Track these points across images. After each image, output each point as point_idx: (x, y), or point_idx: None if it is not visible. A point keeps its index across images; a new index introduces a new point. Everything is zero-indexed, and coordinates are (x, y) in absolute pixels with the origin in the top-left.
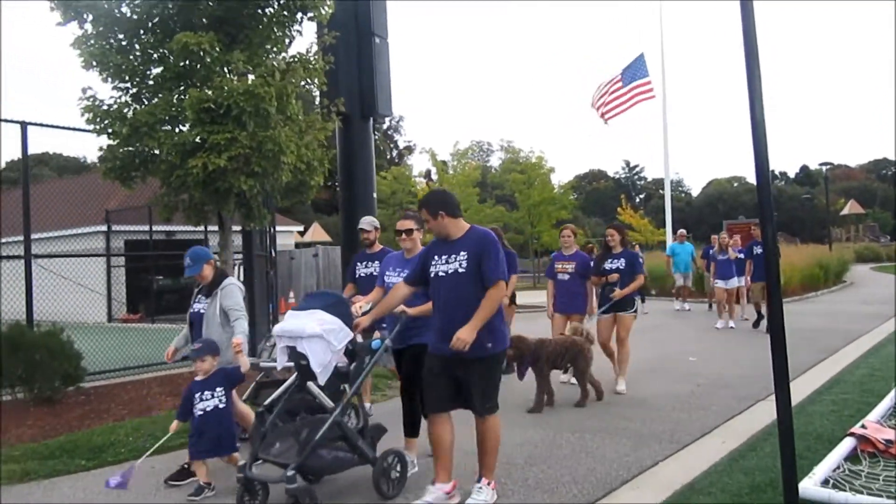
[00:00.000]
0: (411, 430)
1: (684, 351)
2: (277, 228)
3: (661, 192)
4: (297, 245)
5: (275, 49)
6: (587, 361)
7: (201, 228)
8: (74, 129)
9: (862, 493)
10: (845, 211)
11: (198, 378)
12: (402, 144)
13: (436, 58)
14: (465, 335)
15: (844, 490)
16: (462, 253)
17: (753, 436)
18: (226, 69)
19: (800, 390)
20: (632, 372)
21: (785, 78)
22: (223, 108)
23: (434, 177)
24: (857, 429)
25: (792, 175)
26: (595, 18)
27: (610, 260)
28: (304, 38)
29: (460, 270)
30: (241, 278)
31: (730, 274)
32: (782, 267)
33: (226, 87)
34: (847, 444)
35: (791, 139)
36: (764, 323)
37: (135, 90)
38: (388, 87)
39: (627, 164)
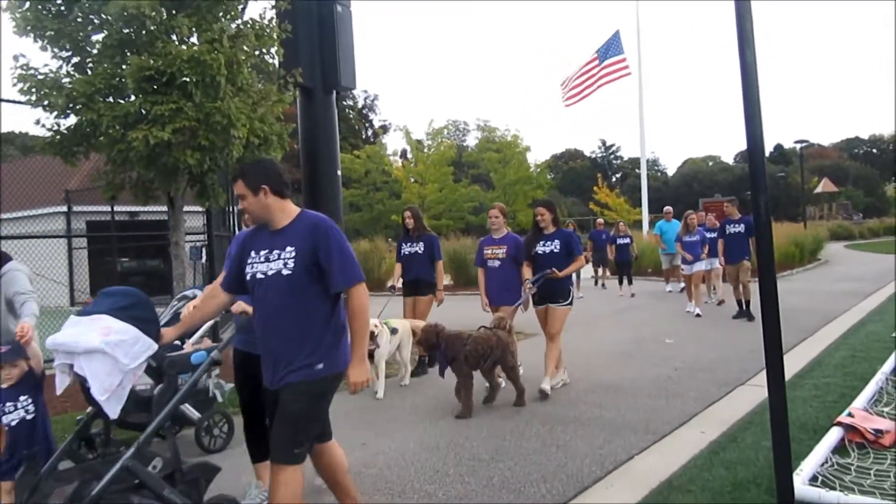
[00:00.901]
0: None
1: (661, 332)
2: None
3: (637, 171)
4: None
5: (227, 15)
6: (514, 357)
7: (166, 208)
8: (5, 100)
9: (854, 490)
10: (819, 189)
11: (3, 386)
12: (377, 123)
13: (412, 36)
14: (356, 376)
15: (835, 488)
16: (288, 248)
17: (734, 425)
18: (171, 35)
19: None
20: (607, 356)
21: (759, 56)
22: (167, 77)
23: (409, 155)
24: (844, 418)
25: (766, 154)
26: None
27: (542, 242)
28: (259, 4)
29: (284, 272)
30: (205, 260)
31: (695, 256)
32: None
33: (170, 54)
34: (834, 435)
35: (765, 118)
36: (750, 313)
37: (77, 59)
38: (351, 58)
39: (604, 143)
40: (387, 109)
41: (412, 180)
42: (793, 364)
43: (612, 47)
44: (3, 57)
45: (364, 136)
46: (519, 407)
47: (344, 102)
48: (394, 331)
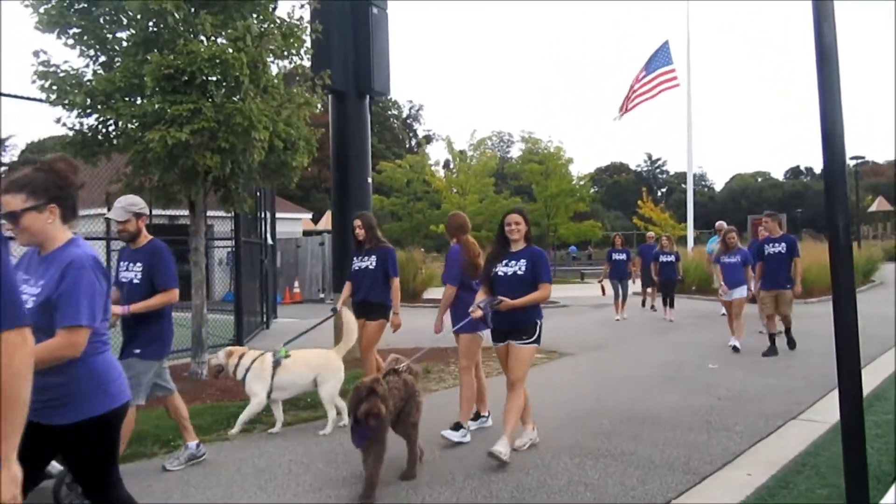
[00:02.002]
0: None
1: (705, 357)
2: (285, 215)
3: (683, 186)
4: (306, 233)
5: (255, 14)
6: (418, 408)
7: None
8: (24, 97)
9: None
10: (873, 208)
11: None
12: (421, 133)
13: (460, 47)
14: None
15: None
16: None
17: (784, 467)
18: (194, 33)
19: (834, 408)
20: (645, 381)
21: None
22: (187, 76)
23: (451, 166)
24: None
25: (818, 170)
26: (620, 7)
27: (506, 261)
28: (288, 3)
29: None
30: (232, 265)
31: (736, 280)
32: (808, 265)
33: (191, 52)
34: None
35: (814, 133)
36: (790, 338)
37: (104, 58)
38: (386, 62)
39: (649, 157)
40: (432, 120)
41: (453, 191)
42: None
43: (661, 57)
44: (19, 53)
45: (408, 146)
46: (408, 480)
47: (389, 112)
48: (276, 363)
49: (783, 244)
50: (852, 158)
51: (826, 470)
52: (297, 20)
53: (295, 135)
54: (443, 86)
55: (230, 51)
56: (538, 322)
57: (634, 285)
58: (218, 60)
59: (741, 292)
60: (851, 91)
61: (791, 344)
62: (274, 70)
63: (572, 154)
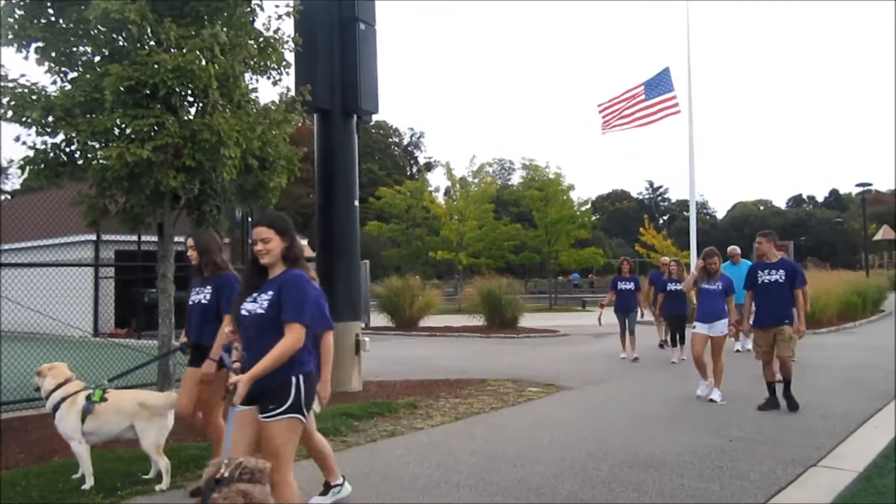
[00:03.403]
0: None
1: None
2: None
3: (685, 213)
4: None
5: (231, 24)
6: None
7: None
8: None
9: None
10: (878, 236)
11: None
12: (422, 160)
13: (464, 75)
14: None
15: None
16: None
17: None
18: (157, 43)
19: (859, 453)
20: (651, 419)
21: (812, 100)
22: (149, 89)
23: (451, 192)
24: None
25: (820, 199)
26: (620, 36)
27: (251, 297)
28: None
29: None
30: None
31: (715, 312)
32: (815, 293)
33: (154, 64)
34: None
35: (820, 161)
36: (791, 398)
37: (73, 73)
38: (374, 81)
39: (651, 184)
40: (433, 147)
41: (451, 217)
42: (874, 438)
43: (662, 84)
44: None
45: (409, 173)
46: None
47: (390, 139)
48: (87, 409)
49: (781, 271)
50: (858, 185)
51: None
52: (275, 32)
53: (273, 153)
54: (445, 113)
55: (198, 62)
56: (294, 380)
57: (643, 318)
58: (184, 72)
59: (721, 328)
60: (854, 117)
61: (792, 405)
62: (244, 83)
63: (573, 181)
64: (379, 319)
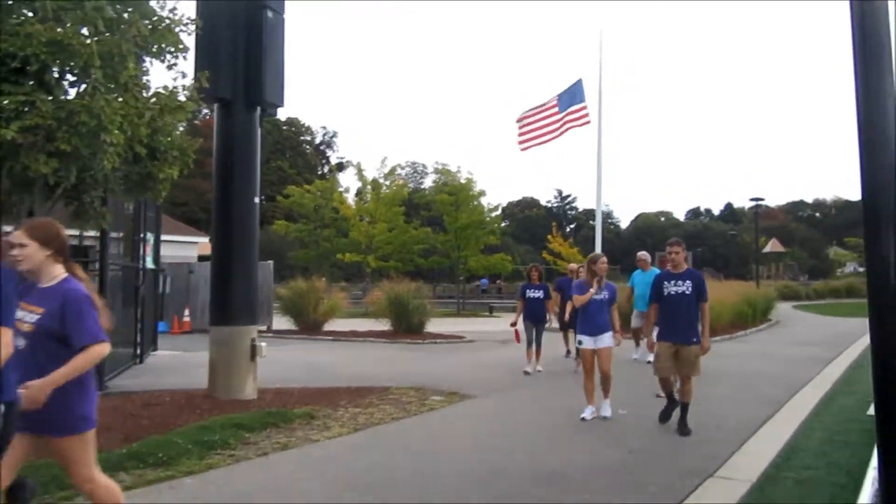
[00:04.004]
0: None
1: (614, 400)
2: (179, 238)
3: (591, 222)
4: (202, 258)
5: (122, 3)
6: None
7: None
8: None
9: None
10: (767, 249)
11: None
12: (334, 160)
13: (379, 76)
14: None
15: None
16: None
17: None
18: (33, 12)
19: (752, 463)
20: (552, 430)
21: (712, 116)
22: (19, 62)
23: (361, 194)
24: None
25: (717, 212)
26: (535, 47)
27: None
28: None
29: None
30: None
31: (599, 323)
32: (712, 303)
33: (27, 35)
34: None
35: (716, 176)
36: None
37: None
38: (280, 71)
39: (560, 193)
40: (346, 147)
41: (361, 219)
42: (767, 447)
43: (574, 95)
44: None
45: (321, 173)
46: None
47: (302, 137)
48: None
49: (688, 282)
50: (752, 199)
51: None
52: (171, 12)
53: (165, 143)
54: (359, 114)
55: (79, 37)
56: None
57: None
58: (61, 46)
59: (608, 340)
60: (749, 135)
61: (683, 429)
62: (133, 64)
63: (484, 186)
64: (282, 322)
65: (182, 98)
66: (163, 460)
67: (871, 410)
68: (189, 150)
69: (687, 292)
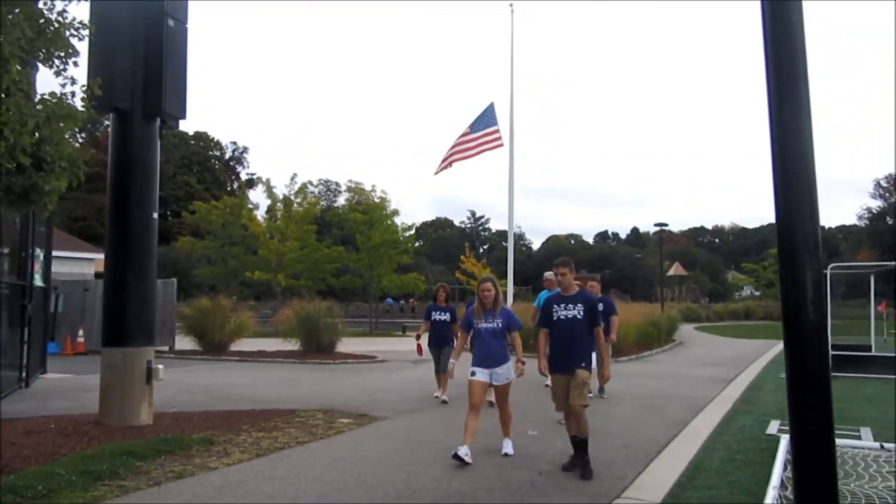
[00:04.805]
0: None
1: (523, 421)
2: (73, 255)
3: (504, 243)
4: (99, 275)
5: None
6: None
7: None
8: None
9: None
10: (671, 272)
11: None
12: (244, 177)
13: (295, 94)
14: None
15: None
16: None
17: None
18: None
19: (658, 484)
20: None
21: (619, 143)
22: None
23: (271, 211)
24: None
25: (623, 236)
26: (448, 68)
27: None
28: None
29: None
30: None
31: (494, 355)
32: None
33: None
34: None
35: (622, 202)
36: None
37: None
38: (180, 82)
39: (473, 214)
40: (257, 164)
41: (271, 236)
42: (671, 467)
43: (486, 118)
44: None
45: (230, 189)
46: None
47: (210, 153)
48: None
49: (579, 305)
50: (656, 225)
51: None
52: (60, 15)
53: (52, 153)
54: (270, 131)
55: None
56: None
57: None
58: None
59: (507, 373)
60: (654, 163)
61: (584, 471)
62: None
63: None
64: (186, 343)
65: (72, 106)
66: (42, 493)
67: (770, 430)
68: (79, 162)
69: (578, 317)
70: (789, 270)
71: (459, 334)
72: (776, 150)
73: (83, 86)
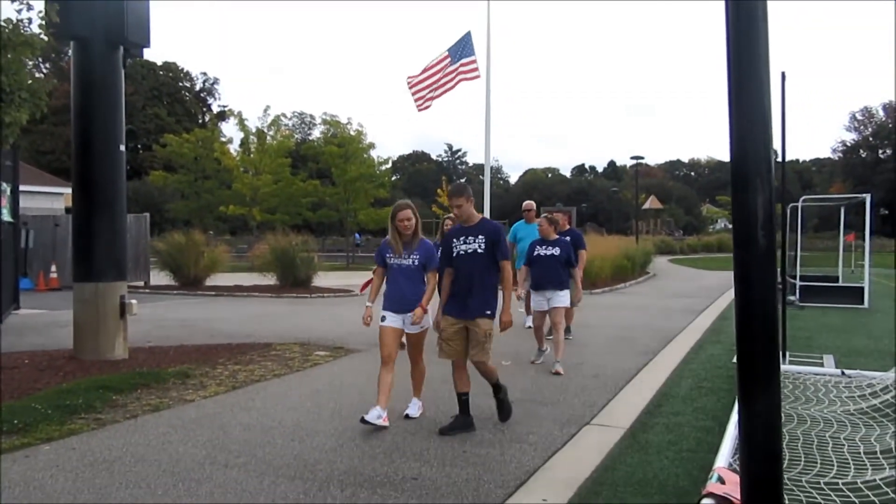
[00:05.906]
0: None
1: (498, 352)
2: (42, 189)
3: (481, 177)
4: (69, 210)
5: None
6: None
7: None
8: None
9: None
10: (646, 206)
11: None
12: (216, 109)
13: (265, 23)
14: None
15: None
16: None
17: (581, 487)
18: None
19: (626, 411)
20: (430, 381)
21: (599, 77)
22: None
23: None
24: (714, 485)
25: (600, 169)
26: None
27: None
28: None
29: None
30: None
31: (406, 296)
32: (593, 257)
33: None
34: None
35: (598, 135)
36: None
37: None
38: (143, 9)
39: (450, 147)
40: (229, 96)
41: (245, 170)
42: (639, 396)
43: (464, 48)
44: None
45: (201, 122)
46: None
47: (180, 84)
48: None
49: (480, 237)
50: (633, 158)
51: (624, 489)
52: None
53: (11, 83)
54: (243, 62)
55: None
56: None
57: None
58: None
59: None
60: (631, 96)
61: (504, 411)
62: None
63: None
64: (161, 278)
65: (30, 33)
66: (18, 427)
67: (736, 359)
68: (42, 93)
69: (479, 250)
70: (740, 194)
71: (374, 271)
72: (731, 71)
73: (40, 12)
